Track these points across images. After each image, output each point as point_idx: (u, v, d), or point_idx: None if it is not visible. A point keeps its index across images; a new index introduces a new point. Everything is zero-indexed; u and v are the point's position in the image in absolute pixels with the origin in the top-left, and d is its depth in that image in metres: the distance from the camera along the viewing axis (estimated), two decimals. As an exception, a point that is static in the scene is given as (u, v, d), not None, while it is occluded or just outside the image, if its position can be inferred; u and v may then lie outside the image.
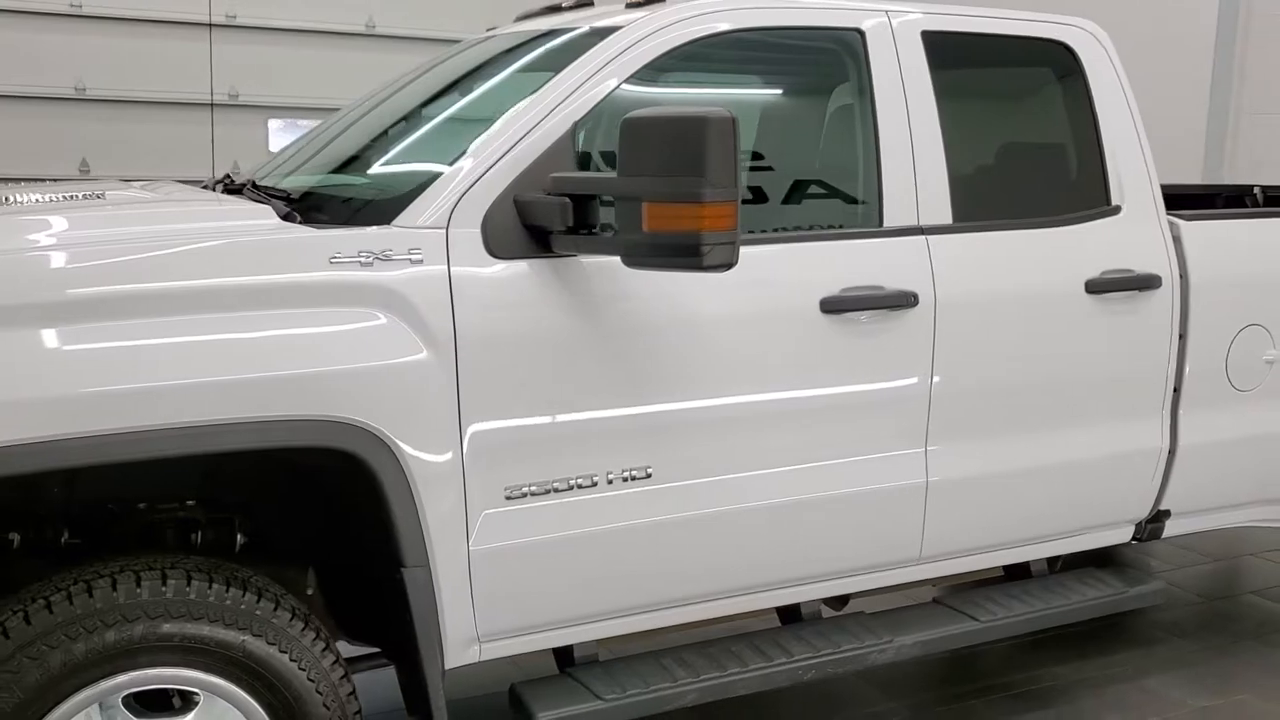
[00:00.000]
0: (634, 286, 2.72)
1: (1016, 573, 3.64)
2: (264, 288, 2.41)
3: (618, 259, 2.63)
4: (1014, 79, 3.52)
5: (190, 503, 2.77)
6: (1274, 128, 6.97)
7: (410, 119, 3.22)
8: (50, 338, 2.23)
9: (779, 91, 3.41)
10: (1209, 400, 3.55)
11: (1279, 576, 5.05)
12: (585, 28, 3.06)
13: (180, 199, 3.01)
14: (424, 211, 2.61)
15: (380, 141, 3.20)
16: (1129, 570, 3.76)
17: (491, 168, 2.66)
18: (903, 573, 3.21)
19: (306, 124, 5.57)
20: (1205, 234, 3.51)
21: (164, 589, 2.36)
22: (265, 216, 2.64)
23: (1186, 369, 3.50)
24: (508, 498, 2.64)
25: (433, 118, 3.19)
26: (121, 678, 2.34)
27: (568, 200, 2.57)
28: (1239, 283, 3.55)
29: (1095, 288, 3.30)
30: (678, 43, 2.90)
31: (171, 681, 2.40)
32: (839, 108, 3.20)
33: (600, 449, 2.72)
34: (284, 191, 2.97)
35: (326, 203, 2.89)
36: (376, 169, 3.01)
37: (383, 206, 2.67)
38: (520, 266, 2.63)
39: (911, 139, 3.11)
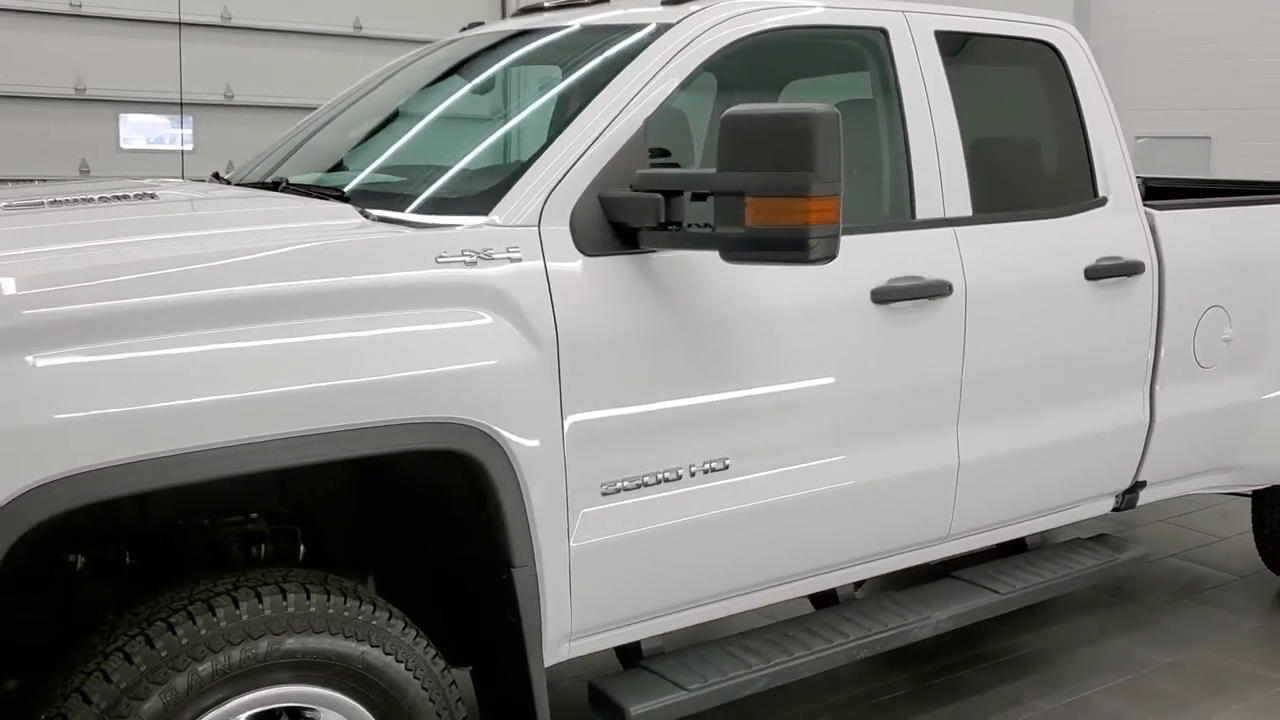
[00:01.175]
0: (708, 280, 2.76)
1: (1008, 549, 3.83)
2: (377, 288, 2.35)
3: (694, 253, 2.69)
4: (1008, 77, 3.71)
5: (254, 515, 2.67)
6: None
7: (447, 116, 3.17)
8: (163, 347, 2.12)
9: (816, 89, 3.50)
10: (1179, 377, 3.82)
11: (1189, 540, 5.45)
12: (631, 23, 3.07)
13: (242, 198, 2.89)
14: (515, 210, 2.59)
15: (422, 138, 3.14)
16: (1109, 539, 4.00)
17: (574, 166, 2.66)
18: (933, 550, 3.35)
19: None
20: (1176, 223, 3.78)
21: (285, 603, 2.28)
22: (349, 216, 2.57)
23: (1162, 349, 3.76)
24: (603, 494, 2.64)
25: (476, 115, 3.14)
26: (244, 698, 2.24)
27: (660, 197, 2.59)
28: (1203, 268, 3.83)
29: (1092, 274, 3.51)
30: (728, 40, 2.95)
31: (292, 700, 2.31)
32: (868, 103, 3.30)
33: (683, 441, 2.75)
34: (333, 189, 2.89)
35: (383, 201, 2.81)
36: (440, 167, 2.94)
37: (467, 204, 2.63)
38: (608, 262, 2.64)
39: (935, 133, 3.25)
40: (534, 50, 3.26)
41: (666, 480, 2.73)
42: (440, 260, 2.44)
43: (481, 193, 2.66)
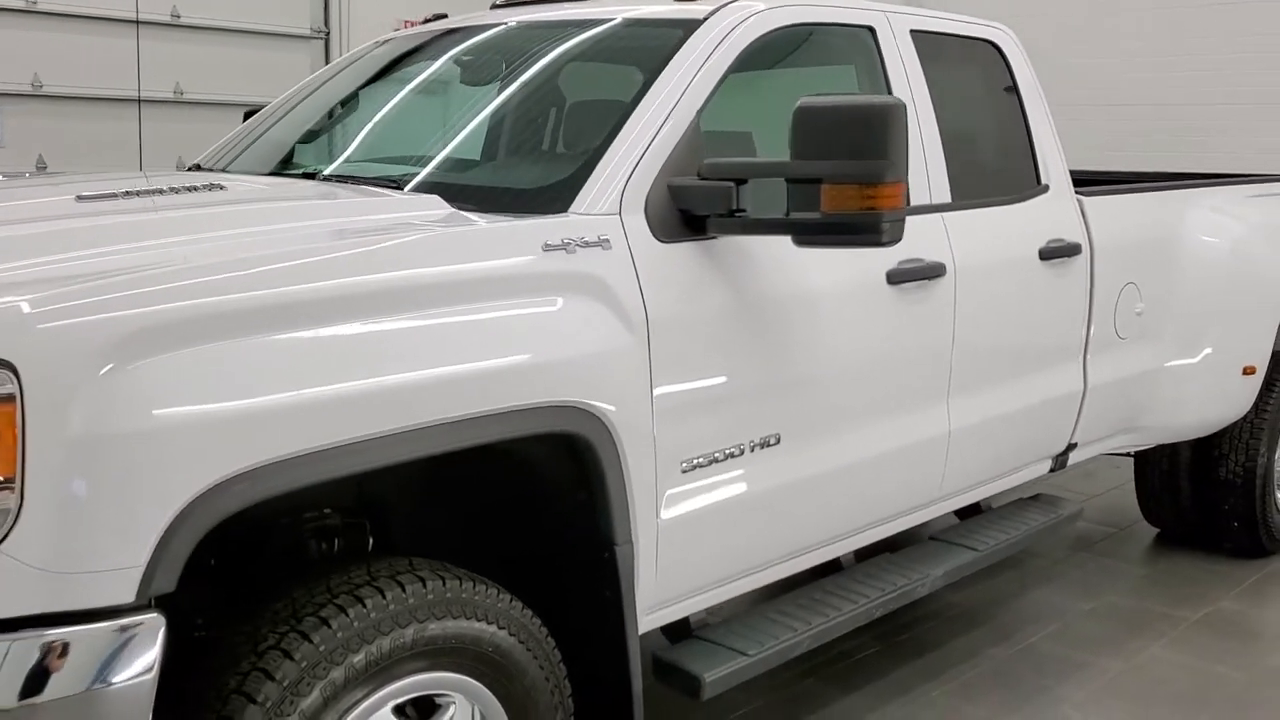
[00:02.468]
0: (763, 264, 2.89)
1: (965, 513, 4.13)
2: (497, 277, 2.39)
3: (748, 238, 2.83)
4: (963, 74, 3.98)
5: (327, 510, 2.65)
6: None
7: (488, 106, 3.17)
8: (314, 339, 2.10)
9: (823, 82, 3.67)
10: (1104, 348, 4.21)
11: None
12: (659, 18, 3.16)
13: (313, 190, 2.82)
14: (596, 200, 2.65)
15: (458, 128, 3.13)
16: (1045, 498, 4.36)
17: (644, 156, 2.74)
18: (927, 511, 3.61)
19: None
20: (1099, 208, 4.15)
21: (424, 590, 2.28)
22: (438, 206, 2.58)
23: (1093, 322, 4.13)
24: (683, 471, 2.74)
25: (519, 104, 3.16)
26: (390, 688, 2.25)
27: (733, 185, 2.71)
28: (1121, 248, 4.23)
29: (1045, 255, 3.84)
30: (755, 35, 3.09)
31: (429, 687, 2.32)
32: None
33: (744, 419, 2.88)
34: (390, 179, 2.87)
35: (448, 193, 2.81)
36: (502, 158, 2.95)
37: (546, 195, 2.68)
38: (679, 248, 2.74)
39: (919, 124, 3.48)
40: (563, 42, 3.30)
41: (731, 456, 2.86)
42: (546, 249, 2.49)
43: (560, 183, 2.70)
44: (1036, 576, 4.89)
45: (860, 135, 2.58)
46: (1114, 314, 4.24)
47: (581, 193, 2.66)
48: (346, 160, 3.16)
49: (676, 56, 2.95)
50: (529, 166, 2.87)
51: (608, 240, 2.60)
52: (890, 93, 3.45)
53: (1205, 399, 4.60)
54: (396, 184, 2.83)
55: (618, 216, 2.65)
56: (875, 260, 3.20)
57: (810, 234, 2.67)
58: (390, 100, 3.34)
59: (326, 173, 3.02)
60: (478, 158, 3.03)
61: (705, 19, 3.08)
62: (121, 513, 1.86)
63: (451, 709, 2.37)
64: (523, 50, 3.28)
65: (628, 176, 2.70)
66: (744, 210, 2.73)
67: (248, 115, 4.20)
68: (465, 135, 3.11)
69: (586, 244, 2.55)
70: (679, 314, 2.69)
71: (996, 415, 3.72)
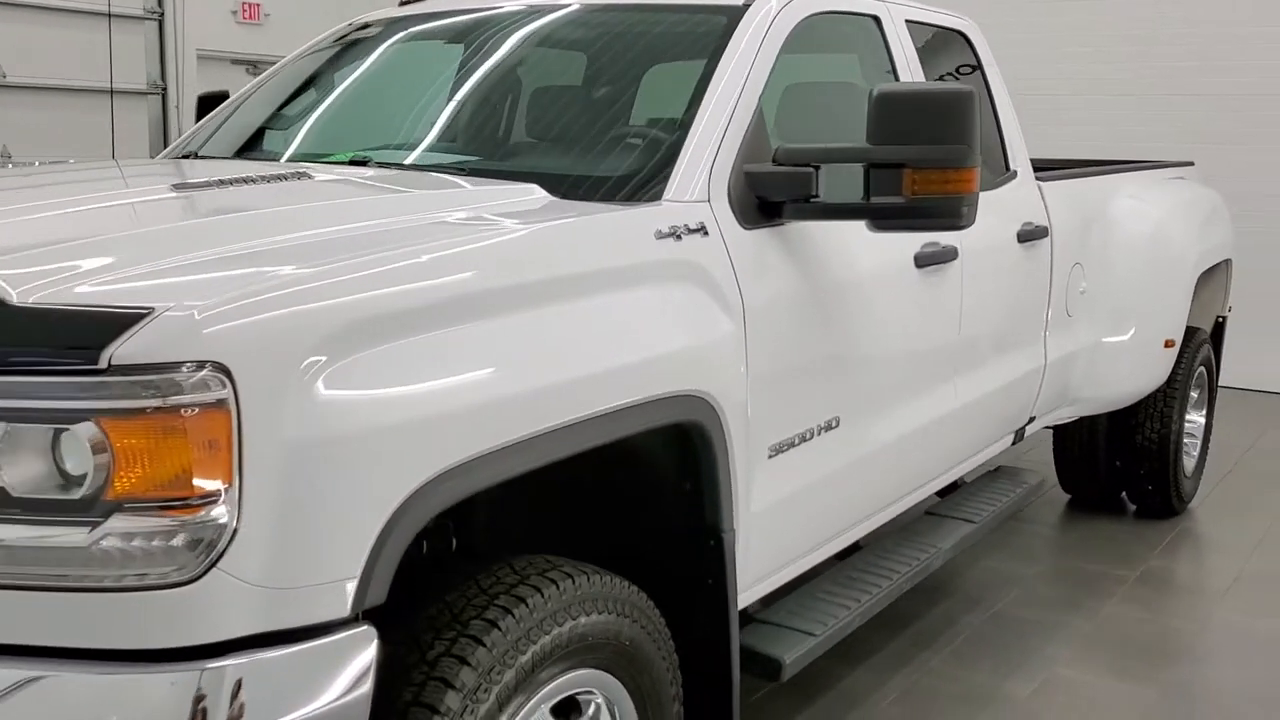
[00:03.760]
0: (822, 250, 2.93)
1: (944, 491, 4.29)
2: (624, 267, 2.35)
3: (813, 224, 2.87)
4: (941, 62, 4.11)
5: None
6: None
7: (532, 93, 3.09)
8: (477, 337, 2.02)
9: (846, 68, 3.71)
10: (1058, 325, 4.44)
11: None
12: (702, 4, 3.15)
13: (399, 181, 2.68)
14: (684, 187, 2.64)
15: (512, 113, 3.04)
16: (1007, 470, 4.57)
17: (722, 142, 2.74)
18: (941, 480, 3.75)
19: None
20: (1053, 192, 4.37)
21: (575, 585, 2.23)
22: (539, 195, 2.51)
23: (1051, 301, 4.35)
24: (769, 457, 2.76)
25: (570, 91, 3.09)
26: (547, 688, 2.18)
27: (813, 170, 2.73)
28: (1071, 230, 4.46)
29: (1021, 238, 4.02)
30: (794, 22, 3.12)
31: (578, 685, 2.27)
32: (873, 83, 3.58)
33: (814, 402, 2.92)
34: (459, 168, 2.77)
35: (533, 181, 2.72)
36: (566, 144, 2.88)
37: (635, 182, 2.64)
38: (759, 234, 2.75)
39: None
40: (600, 28, 3.24)
41: (804, 440, 2.89)
42: (659, 236, 2.46)
43: (647, 171, 2.67)
44: (981, 545, 5.10)
45: (940, 121, 2.65)
46: (1065, 293, 4.47)
47: (671, 180, 2.64)
48: (395, 148, 3.02)
49: (731, 42, 2.95)
50: (603, 154, 2.81)
51: (704, 227, 2.59)
52: (897, 80, 3.54)
53: (1133, 371, 4.90)
54: (465, 172, 2.74)
55: (708, 204, 2.64)
56: (906, 245, 3.29)
57: (891, 218, 2.72)
58: (425, 86, 3.21)
59: (377, 160, 2.89)
60: (538, 143, 2.96)
61: (748, 5, 3.09)
62: (338, 521, 1.75)
63: (592, 707, 2.33)
64: (567, 36, 3.22)
65: (711, 163, 2.69)
66: (818, 196, 2.76)
67: (203, 101, 3.97)
68: (519, 122, 3.04)
69: (689, 231, 2.54)
70: (764, 300, 2.70)
71: (988, 390, 3.87)
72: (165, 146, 9.39)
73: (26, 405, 1.64)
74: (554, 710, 2.24)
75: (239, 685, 1.68)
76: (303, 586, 1.73)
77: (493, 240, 2.14)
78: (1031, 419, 4.44)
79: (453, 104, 3.14)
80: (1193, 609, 4.45)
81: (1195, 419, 5.66)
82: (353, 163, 2.88)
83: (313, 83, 3.47)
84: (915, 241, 3.32)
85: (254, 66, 10.00)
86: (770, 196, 2.76)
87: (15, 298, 1.69)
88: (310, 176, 2.58)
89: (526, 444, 2.04)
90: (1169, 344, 5.02)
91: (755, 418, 2.66)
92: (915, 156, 2.66)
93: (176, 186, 2.36)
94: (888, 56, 3.54)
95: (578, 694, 2.29)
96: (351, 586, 1.78)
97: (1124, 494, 5.55)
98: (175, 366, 1.63)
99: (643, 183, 2.64)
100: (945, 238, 3.48)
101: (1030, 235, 4.08)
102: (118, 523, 1.63)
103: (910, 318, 3.32)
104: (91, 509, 1.64)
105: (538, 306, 2.10)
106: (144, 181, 2.46)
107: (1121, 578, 4.75)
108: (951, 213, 2.68)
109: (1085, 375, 4.73)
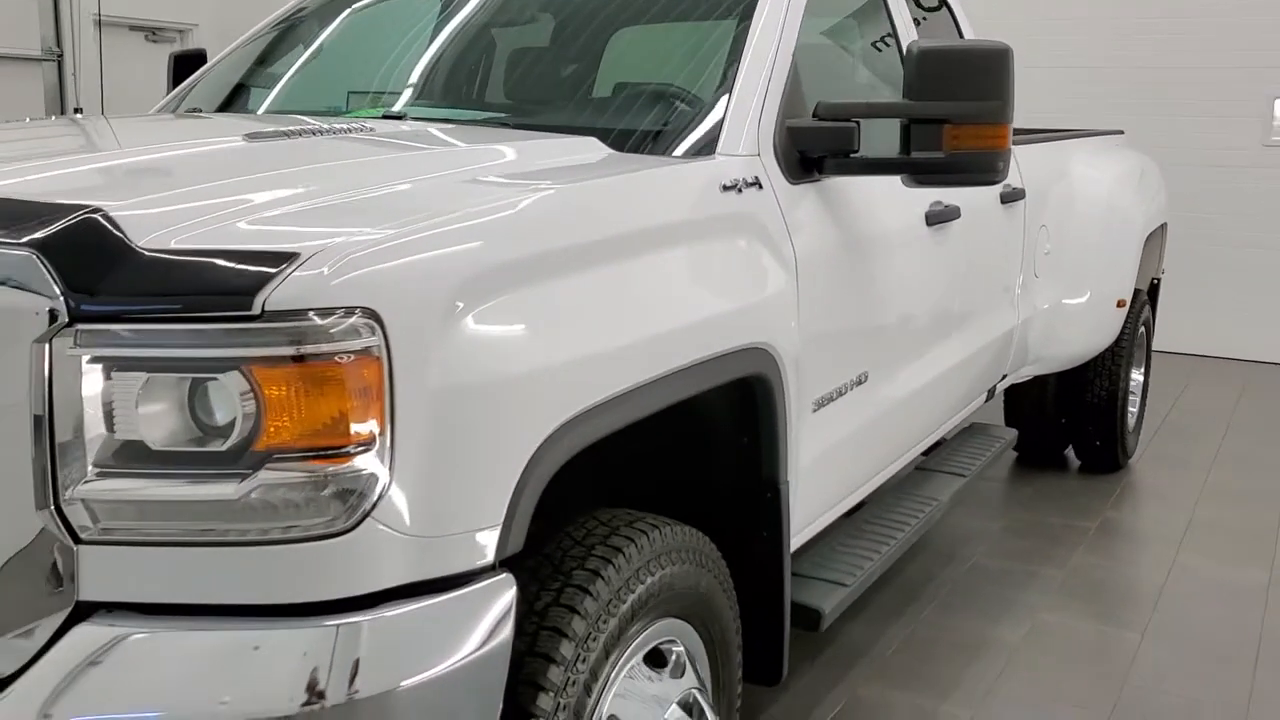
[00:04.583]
0: (854, 206, 2.98)
1: (928, 450, 4.39)
2: (697, 220, 2.35)
3: (846, 179, 2.91)
4: (929, 29, 4.17)
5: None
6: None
7: (565, 46, 3.05)
8: (594, 285, 2.01)
9: (853, 31, 3.73)
10: (1028, 286, 4.57)
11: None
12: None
13: (457, 134, 2.62)
14: (738, 140, 2.64)
15: (545, 67, 3.00)
16: (981, 426, 4.69)
17: (766, 95, 2.75)
18: (937, 434, 3.84)
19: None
20: (1025, 155, 4.49)
21: (661, 535, 2.23)
22: (597, 149, 2.50)
23: (1024, 261, 4.48)
24: (813, 411, 2.80)
25: (607, 43, 3.05)
26: (640, 639, 2.19)
27: (855, 125, 2.76)
28: (1039, 193, 4.59)
29: (1004, 199, 4.12)
30: (812, -18, 3.15)
31: (663, 635, 2.28)
32: (878, 45, 3.63)
33: (848, 357, 2.96)
34: (498, 121, 2.73)
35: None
36: (606, 98, 2.85)
37: (687, 136, 2.64)
38: (803, 189, 2.78)
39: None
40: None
41: (840, 394, 2.93)
42: (724, 190, 2.47)
43: (697, 124, 2.67)
44: (943, 502, 5.24)
45: (979, 78, 2.70)
46: (1034, 254, 4.60)
47: (723, 134, 2.64)
48: (425, 104, 2.96)
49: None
50: (645, 108, 2.80)
51: (759, 181, 2.60)
52: (900, 42, 3.59)
53: (1089, 330, 5.08)
54: (510, 127, 2.70)
55: (758, 158, 2.66)
56: (918, 204, 3.35)
57: (931, 173, 2.77)
58: (448, 39, 3.13)
59: (414, 116, 2.83)
60: (574, 99, 2.93)
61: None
62: (481, 469, 1.73)
63: (674, 656, 2.34)
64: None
65: (759, 117, 2.70)
66: (858, 151, 2.80)
67: (179, 60, 3.84)
68: (551, 76, 3.00)
69: (747, 185, 2.55)
70: (809, 254, 2.73)
71: (979, 347, 3.98)
72: (63, 113, 9.03)
73: (168, 354, 1.58)
74: (644, 660, 2.26)
75: (392, 636, 1.65)
76: (450, 535, 1.71)
77: (598, 188, 2.12)
78: (1003, 377, 4.57)
79: (482, 58, 3.10)
80: (1155, 557, 4.65)
81: (1136, 377, 5.88)
82: (386, 118, 2.82)
83: (315, 37, 3.37)
84: (925, 200, 3.39)
85: (154, 33, 9.68)
86: (811, 151, 2.79)
87: (149, 244, 1.63)
88: (372, 130, 2.52)
89: (634, 394, 2.03)
90: (1120, 304, 5.21)
91: (804, 372, 2.69)
92: (955, 112, 2.70)
93: (250, 137, 2.28)
94: (889, 22, 3.59)
95: (661, 644, 2.30)
96: (494, 534, 1.76)
97: (1069, 450, 5.75)
98: (327, 312, 1.59)
99: (693, 137, 2.64)
100: (950, 197, 3.55)
101: (1011, 196, 4.19)
102: (269, 474, 1.59)
103: (923, 275, 3.39)
104: (239, 461, 1.59)
105: (639, 256, 2.10)
106: (207, 132, 2.37)
107: (1083, 529, 4.93)
108: (989, 168, 2.74)
109: (1045, 334, 4.88)
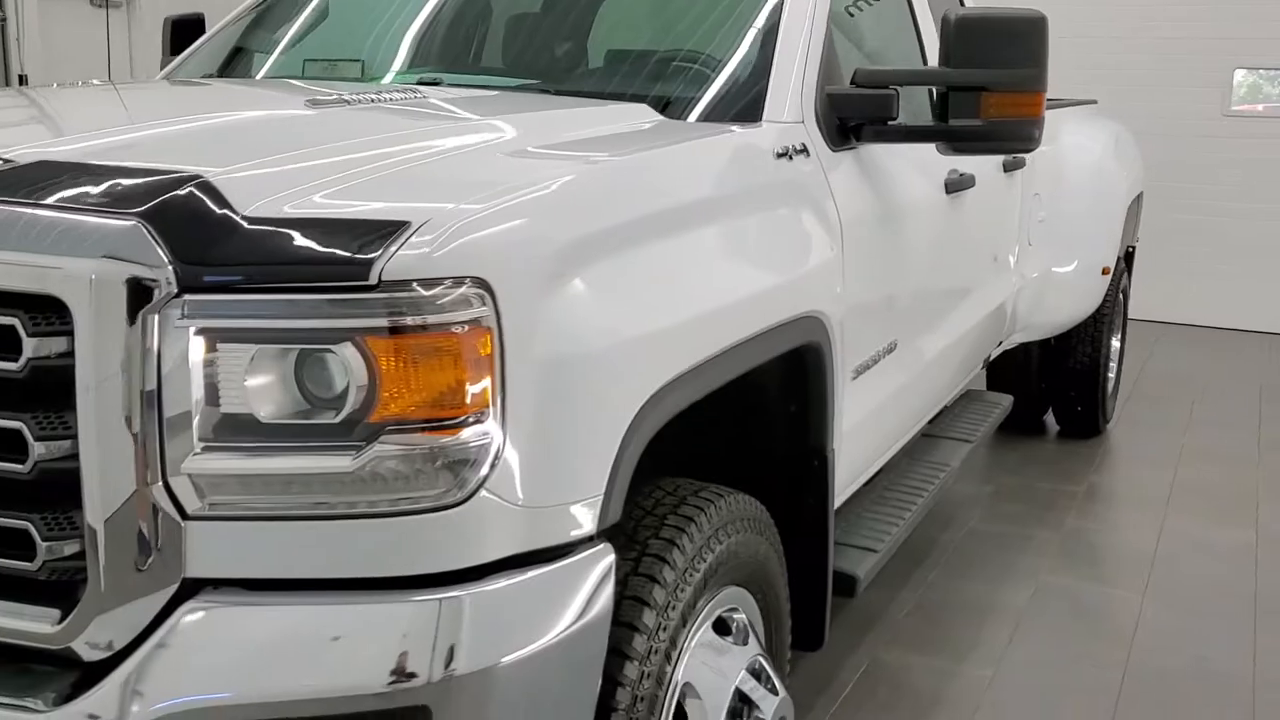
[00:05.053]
0: (887, 174, 2.98)
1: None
2: (758, 187, 2.34)
3: (878, 147, 2.91)
4: (938, 4, 4.18)
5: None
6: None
7: (596, 12, 3.01)
8: (676, 252, 2.00)
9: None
10: (1023, 252, 4.62)
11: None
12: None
13: (508, 100, 2.58)
14: (781, 107, 2.63)
15: (572, 38, 2.96)
16: (976, 392, 4.74)
17: (806, 62, 2.74)
18: (948, 399, 3.89)
19: None
20: (1021, 124, 4.52)
21: (727, 504, 2.23)
22: (649, 115, 2.48)
23: (1020, 228, 4.52)
24: (853, 378, 2.81)
25: (638, 10, 3.02)
26: (709, 607, 2.19)
27: (894, 92, 2.76)
28: (1033, 161, 4.63)
29: (1006, 167, 4.16)
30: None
31: (727, 603, 2.29)
32: (898, 20, 3.63)
33: (883, 325, 2.98)
34: (539, 88, 2.69)
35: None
36: (638, 64, 2.82)
37: (729, 102, 2.62)
38: (842, 156, 2.78)
39: (923, 41, 3.67)
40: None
41: (875, 362, 2.95)
42: (778, 156, 2.46)
43: (740, 91, 2.65)
44: (933, 468, 5.31)
45: (1016, 45, 2.71)
46: (1029, 222, 4.65)
47: (768, 101, 2.63)
48: (457, 70, 2.91)
49: (793, -34, 2.95)
50: (682, 75, 2.77)
51: (806, 148, 2.60)
52: (915, 20, 3.60)
53: (1077, 297, 5.15)
54: (551, 93, 2.67)
55: (802, 125, 2.65)
56: (938, 173, 3.37)
57: (969, 140, 2.78)
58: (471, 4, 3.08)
59: (450, 83, 2.78)
60: (607, 65, 2.90)
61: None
62: (584, 438, 1.72)
63: (735, 624, 2.34)
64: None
65: (800, 83, 2.70)
66: (896, 118, 2.80)
67: (177, 25, 3.74)
68: (584, 43, 2.96)
69: (796, 152, 2.55)
70: (852, 222, 2.73)
71: (985, 314, 4.03)
72: (7, 82, 8.77)
73: (279, 325, 1.54)
74: (712, 629, 2.26)
75: (496, 610, 1.64)
76: (555, 506, 1.70)
77: (672, 155, 2.11)
78: (999, 344, 4.62)
79: (516, 23, 3.05)
80: (1144, 519, 4.74)
81: (1114, 344, 5.98)
82: (422, 84, 2.77)
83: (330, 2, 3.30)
84: (944, 169, 3.41)
85: (99, -1, 9.41)
86: (850, 119, 2.79)
87: (256, 212, 1.59)
88: (425, 96, 2.47)
89: (713, 363, 2.03)
90: (1105, 271, 5.29)
91: (847, 340, 2.70)
92: (993, 80, 2.71)
93: (311, 103, 2.22)
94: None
95: (724, 613, 2.31)
96: (596, 505, 1.75)
97: (1049, 415, 5.85)
98: (438, 282, 1.56)
99: (736, 103, 2.63)
100: (966, 166, 3.57)
101: (1012, 165, 4.23)
102: (384, 447, 1.56)
103: (942, 242, 3.42)
104: (352, 433, 1.56)
105: (712, 223, 2.10)
106: (260, 101, 2.31)
107: (1071, 493, 5.02)
108: (1026, 136, 2.76)
109: (1034, 302, 4.94)
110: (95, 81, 2.76)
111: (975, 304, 3.90)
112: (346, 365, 1.55)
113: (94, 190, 1.60)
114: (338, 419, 1.56)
